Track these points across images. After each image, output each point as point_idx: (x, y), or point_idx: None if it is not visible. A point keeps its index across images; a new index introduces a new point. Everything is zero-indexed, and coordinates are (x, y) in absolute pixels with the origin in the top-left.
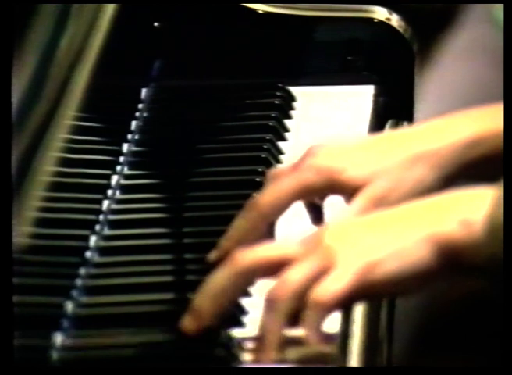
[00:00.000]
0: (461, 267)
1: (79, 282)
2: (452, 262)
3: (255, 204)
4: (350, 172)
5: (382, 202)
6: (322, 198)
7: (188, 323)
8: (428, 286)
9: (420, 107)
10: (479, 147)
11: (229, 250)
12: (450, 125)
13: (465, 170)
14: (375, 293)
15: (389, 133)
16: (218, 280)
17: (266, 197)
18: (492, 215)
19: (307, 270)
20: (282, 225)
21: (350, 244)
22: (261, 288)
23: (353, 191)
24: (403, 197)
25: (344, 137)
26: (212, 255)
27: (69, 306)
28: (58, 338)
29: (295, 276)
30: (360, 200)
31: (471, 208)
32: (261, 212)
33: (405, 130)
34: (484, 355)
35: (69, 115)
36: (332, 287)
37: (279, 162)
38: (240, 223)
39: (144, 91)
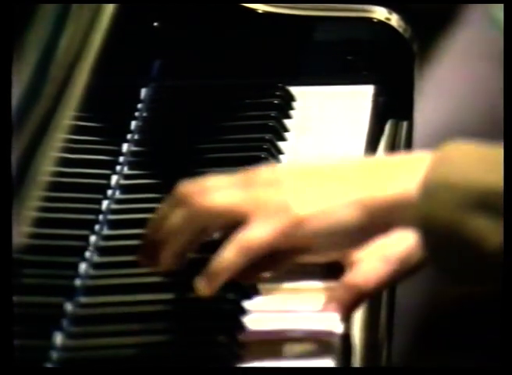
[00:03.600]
0: (392, 227)
1: (78, 282)
2: (381, 222)
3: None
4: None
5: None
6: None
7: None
8: (359, 244)
9: (420, 107)
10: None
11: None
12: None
13: None
14: (303, 247)
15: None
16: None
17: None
18: (428, 176)
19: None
20: None
21: (283, 194)
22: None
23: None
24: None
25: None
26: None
27: (69, 306)
28: (58, 338)
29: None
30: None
31: (411, 172)
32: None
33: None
34: (484, 355)
35: (68, 115)
36: (255, 232)
37: (278, 162)
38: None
39: (143, 91)
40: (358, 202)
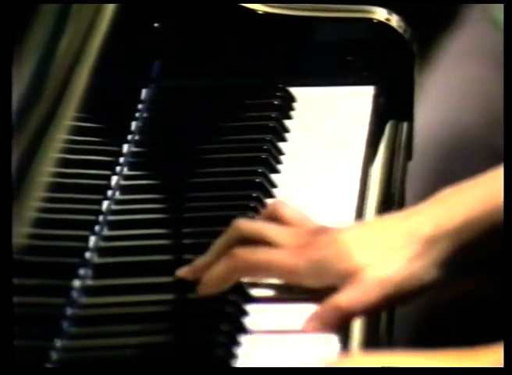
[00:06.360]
0: None
1: (78, 283)
2: None
3: (238, 256)
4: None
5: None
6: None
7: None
8: None
9: (420, 107)
10: (471, 230)
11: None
12: (443, 207)
13: (461, 253)
14: None
15: (382, 218)
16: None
17: (256, 256)
18: None
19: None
20: None
21: None
22: (261, 291)
23: (342, 279)
24: (397, 276)
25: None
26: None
27: (69, 307)
28: (58, 339)
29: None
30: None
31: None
32: (240, 266)
33: (397, 214)
34: None
35: (69, 115)
36: None
37: (279, 162)
38: (218, 270)
39: (143, 92)
40: None
